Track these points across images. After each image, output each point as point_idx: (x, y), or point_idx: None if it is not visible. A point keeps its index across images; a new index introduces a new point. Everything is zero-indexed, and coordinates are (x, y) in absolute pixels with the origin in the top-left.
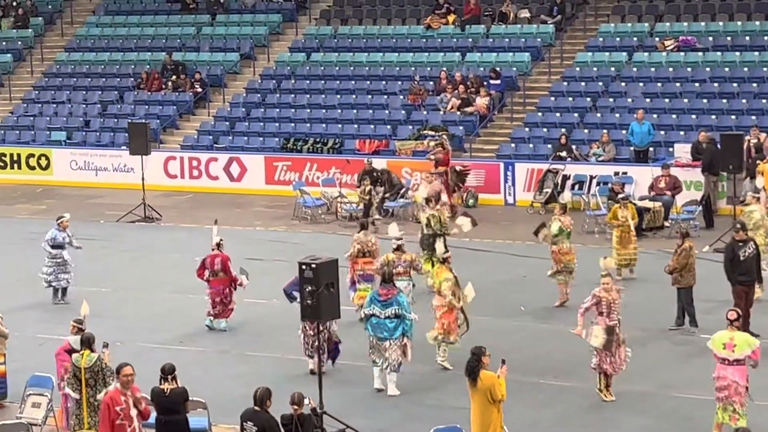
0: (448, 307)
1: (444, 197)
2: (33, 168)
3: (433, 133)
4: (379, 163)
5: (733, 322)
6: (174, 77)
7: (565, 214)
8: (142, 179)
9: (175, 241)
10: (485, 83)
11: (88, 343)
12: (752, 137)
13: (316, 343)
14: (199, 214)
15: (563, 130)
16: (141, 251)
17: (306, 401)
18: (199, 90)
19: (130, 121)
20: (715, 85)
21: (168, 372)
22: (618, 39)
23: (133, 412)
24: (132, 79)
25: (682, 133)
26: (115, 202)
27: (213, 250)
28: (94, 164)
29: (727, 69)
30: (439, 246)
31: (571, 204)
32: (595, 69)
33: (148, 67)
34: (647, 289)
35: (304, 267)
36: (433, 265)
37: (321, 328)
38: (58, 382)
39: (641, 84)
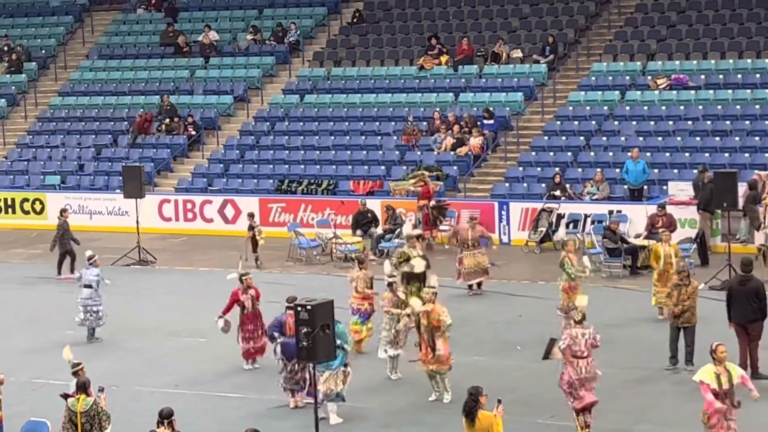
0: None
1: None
2: (27, 212)
3: (427, 173)
4: (374, 204)
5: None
6: (167, 120)
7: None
8: (137, 222)
9: (170, 284)
10: (479, 123)
11: (83, 387)
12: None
13: (298, 376)
14: (194, 256)
15: (557, 169)
16: (136, 294)
17: None
18: (193, 133)
19: (124, 164)
20: (708, 123)
21: (165, 417)
22: (610, 78)
23: None
24: (126, 122)
25: (675, 171)
26: (110, 246)
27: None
28: (89, 208)
29: (719, 107)
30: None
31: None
32: (587, 108)
33: (142, 110)
34: (644, 328)
35: (299, 309)
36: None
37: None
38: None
39: (634, 122)
